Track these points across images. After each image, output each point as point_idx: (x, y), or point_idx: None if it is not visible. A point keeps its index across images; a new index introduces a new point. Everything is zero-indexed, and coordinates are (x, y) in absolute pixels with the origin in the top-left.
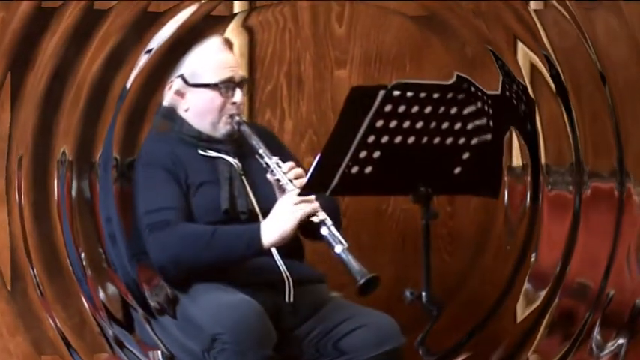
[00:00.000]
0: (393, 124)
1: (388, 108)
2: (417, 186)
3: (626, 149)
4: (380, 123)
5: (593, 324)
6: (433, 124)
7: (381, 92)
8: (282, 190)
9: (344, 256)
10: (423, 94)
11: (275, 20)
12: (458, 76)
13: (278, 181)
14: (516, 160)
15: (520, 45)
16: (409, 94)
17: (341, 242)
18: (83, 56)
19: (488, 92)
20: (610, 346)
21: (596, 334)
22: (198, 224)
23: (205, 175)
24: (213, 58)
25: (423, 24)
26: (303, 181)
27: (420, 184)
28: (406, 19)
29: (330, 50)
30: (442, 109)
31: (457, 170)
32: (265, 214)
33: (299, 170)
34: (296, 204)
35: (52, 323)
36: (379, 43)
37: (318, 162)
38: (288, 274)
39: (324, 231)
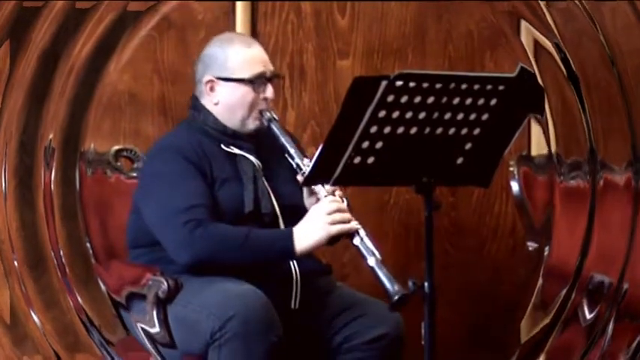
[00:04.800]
0: (396, 114)
1: (390, 98)
2: (419, 176)
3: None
4: (382, 113)
5: (609, 319)
6: (436, 115)
7: (384, 83)
8: (311, 192)
9: (377, 269)
10: (425, 85)
11: (277, 12)
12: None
13: None
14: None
15: (526, 32)
16: (411, 84)
17: (374, 254)
18: (73, 44)
19: (505, 77)
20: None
21: (610, 330)
22: (229, 225)
23: (228, 172)
24: (245, 53)
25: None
26: (335, 188)
27: (422, 174)
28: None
29: (333, 41)
30: (445, 99)
31: (459, 161)
32: (285, 214)
33: None
34: (330, 213)
35: (71, 305)
36: (381, 34)
37: (320, 152)
38: (297, 272)
39: (356, 241)
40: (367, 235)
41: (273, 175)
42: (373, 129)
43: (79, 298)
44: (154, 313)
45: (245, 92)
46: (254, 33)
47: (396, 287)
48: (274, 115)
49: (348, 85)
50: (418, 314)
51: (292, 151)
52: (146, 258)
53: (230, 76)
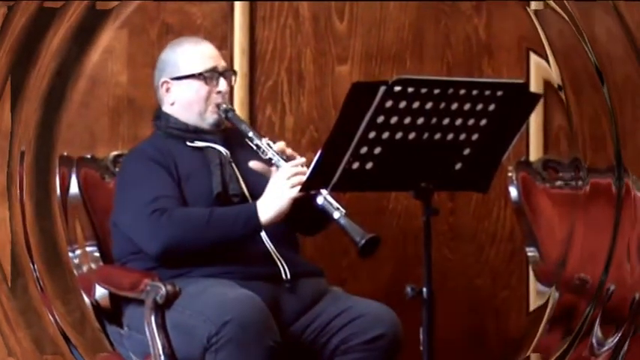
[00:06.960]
0: (394, 119)
1: (389, 104)
2: (417, 182)
3: (625, 145)
4: (381, 119)
5: (594, 319)
6: (434, 120)
7: (382, 88)
8: (271, 165)
9: (343, 221)
10: (423, 90)
11: (276, 16)
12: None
13: (270, 160)
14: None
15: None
16: (410, 90)
17: (338, 209)
18: (83, 53)
19: (503, 83)
20: (610, 342)
21: (597, 331)
22: (193, 208)
23: (195, 164)
24: (195, 50)
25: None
26: (295, 155)
27: (420, 180)
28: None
29: (331, 46)
30: (443, 104)
31: (458, 166)
32: (255, 197)
33: (291, 150)
34: (289, 177)
35: (51, 319)
36: (380, 39)
37: (318, 158)
38: (282, 260)
39: (319, 200)
40: (329, 194)
41: (242, 162)
42: (372, 134)
43: (57, 315)
44: (152, 319)
45: (198, 87)
46: (252, 37)
47: (362, 233)
48: (230, 106)
49: (346, 90)
50: (417, 319)
51: (251, 133)
52: (132, 265)
53: (182, 73)
